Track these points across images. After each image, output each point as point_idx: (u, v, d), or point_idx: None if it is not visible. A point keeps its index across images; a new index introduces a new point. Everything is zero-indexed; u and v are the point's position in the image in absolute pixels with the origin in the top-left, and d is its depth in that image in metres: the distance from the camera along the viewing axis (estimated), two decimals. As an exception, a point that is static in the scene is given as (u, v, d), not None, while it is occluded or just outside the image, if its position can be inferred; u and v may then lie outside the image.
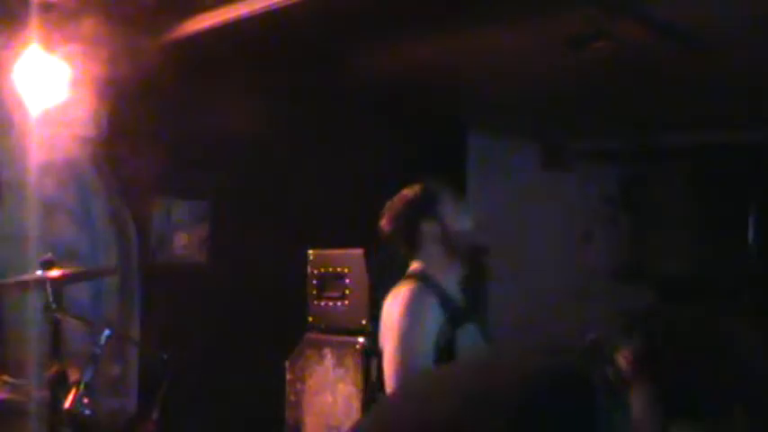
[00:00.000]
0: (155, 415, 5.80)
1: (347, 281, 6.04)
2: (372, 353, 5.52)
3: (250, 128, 6.87)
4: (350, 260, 6.06)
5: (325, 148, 7.53)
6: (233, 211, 7.16)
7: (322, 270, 6.18)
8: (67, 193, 6.90)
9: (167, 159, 6.72)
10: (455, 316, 4.05)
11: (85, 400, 5.05)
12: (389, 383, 3.96)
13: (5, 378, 5.33)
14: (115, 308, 6.81)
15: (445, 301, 4.06)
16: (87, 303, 6.67)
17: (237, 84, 6.88)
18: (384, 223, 4.35)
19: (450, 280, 4.19)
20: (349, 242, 6.07)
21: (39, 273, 5.42)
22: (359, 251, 6.01)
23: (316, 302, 6.19)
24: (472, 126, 9.36)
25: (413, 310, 4.02)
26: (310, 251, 6.26)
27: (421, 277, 4.15)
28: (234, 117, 6.86)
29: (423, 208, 4.25)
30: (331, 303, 6.11)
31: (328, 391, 5.99)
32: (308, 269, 6.23)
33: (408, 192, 4.33)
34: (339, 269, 6.09)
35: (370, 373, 5.68)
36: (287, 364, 6.21)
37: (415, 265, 4.27)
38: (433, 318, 4.01)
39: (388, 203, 4.37)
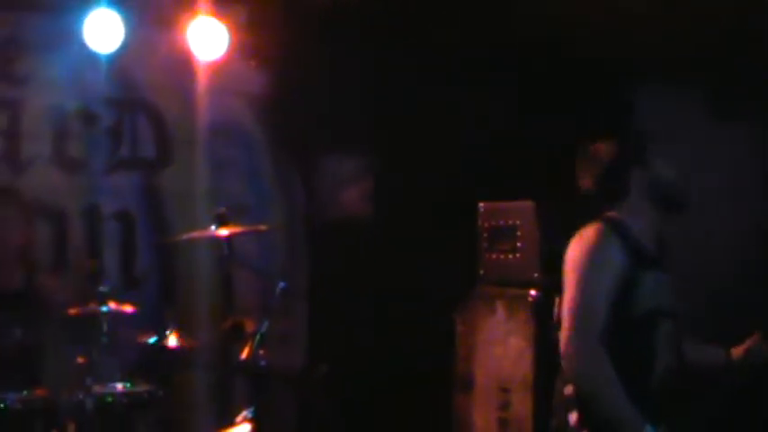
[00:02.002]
0: (324, 368, 5.85)
1: (518, 233, 5.96)
2: (543, 306, 5.45)
3: (412, 82, 6.82)
4: (521, 212, 5.98)
5: (492, 100, 7.42)
6: (399, 165, 7.11)
7: (493, 223, 6.11)
8: (235, 151, 6.98)
9: (332, 116, 6.73)
10: (641, 260, 3.94)
11: (261, 352, 5.09)
12: (566, 322, 3.88)
13: (181, 331, 5.40)
14: (284, 262, 6.87)
15: (632, 245, 3.95)
16: (257, 258, 6.74)
17: (398, 39, 6.83)
18: (584, 173, 4.21)
19: (645, 229, 4.07)
20: (519, 194, 5.99)
21: (212, 228, 5.49)
22: (529, 203, 5.93)
23: (487, 255, 6.12)
24: (638, 77, 9.11)
25: (596, 250, 3.92)
26: (481, 203, 6.19)
27: (610, 220, 4.04)
28: (396, 71, 6.82)
29: (632, 156, 4.11)
30: (502, 256, 6.04)
31: (499, 345, 5.93)
32: (479, 222, 6.17)
33: (610, 141, 4.16)
34: (510, 221, 6.01)
35: (542, 328, 5.61)
36: (457, 317, 6.16)
37: (609, 214, 4.15)
38: (617, 259, 3.91)
39: (586, 152, 4.22)
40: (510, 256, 5.99)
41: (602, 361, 3.76)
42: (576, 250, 3.97)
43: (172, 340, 5.32)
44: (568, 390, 3.88)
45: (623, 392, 3.72)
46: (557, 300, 4.00)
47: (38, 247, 6.13)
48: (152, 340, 5.34)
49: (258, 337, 5.11)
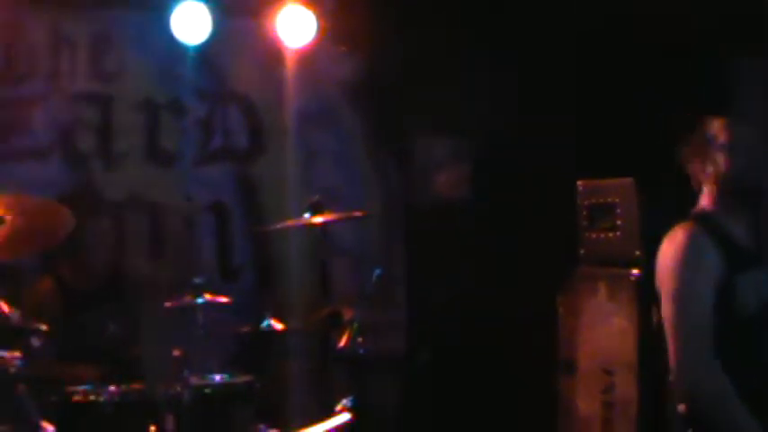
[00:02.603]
0: (425, 355, 5.78)
1: (618, 211, 5.82)
2: (645, 285, 5.31)
3: (507, 62, 6.72)
4: (620, 190, 5.84)
5: (591, 77, 7.28)
6: (495, 147, 7.02)
7: (592, 201, 5.98)
8: (329, 138, 6.94)
9: (426, 99, 6.67)
10: (737, 260, 3.79)
11: (359, 340, 5.05)
12: (672, 338, 3.76)
13: (277, 320, 5.36)
14: (380, 248, 6.82)
15: (726, 245, 3.80)
16: (353, 244, 6.71)
17: (490, 20, 6.75)
18: (689, 153, 4.08)
19: (737, 222, 3.92)
20: (618, 172, 5.86)
21: (307, 215, 5.46)
22: (629, 180, 5.78)
23: (587, 234, 5.99)
24: (736, 52, 8.89)
25: (689, 256, 3.78)
26: (579, 182, 6.06)
27: (701, 218, 3.90)
28: (489, 52, 6.73)
29: (706, 143, 3.97)
30: (602, 235, 5.91)
31: (601, 326, 5.80)
32: (578, 200, 6.04)
33: (723, 120, 4.02)
34: (609, 199, 5.88)
35: (645, 307, 5.47)
36: (558, 299, 6.05)
37: (699, 204, 4.02)
38: (711, 262, 3.77)
39: (694, 131, 4.08)
40: (610, 235, 5.86)
41: (717, 375, 3.63)
42: (668, 257, 3.84)
43: (269, 330, 5.29)
44: (681, 408, 3.76)
45: (741, 406, 3.59)
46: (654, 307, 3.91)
47: (133, 242, 6.13)
48: (249, 330, 5.31)
49: (356, 324, 5.07)
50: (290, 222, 5.71)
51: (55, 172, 6.47)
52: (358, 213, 6.11)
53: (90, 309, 5.55)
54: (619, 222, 5.82)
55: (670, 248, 3.86)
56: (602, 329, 5.79)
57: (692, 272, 3.76)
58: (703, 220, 3.91)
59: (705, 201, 3.99)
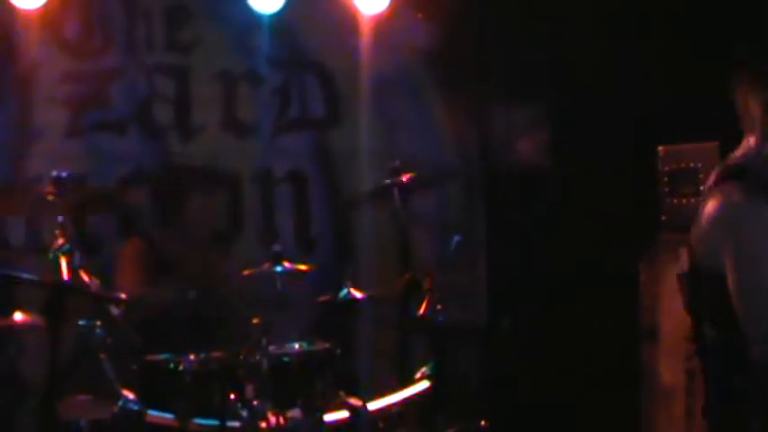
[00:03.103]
0: (506, 323, 5.74)
1: (701, 176, 5.71)
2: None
3: (587, 29, 6.63)
4: (703, 154, 5.73)
5: (670, 40, 7.17)
6: (573, 112, 6.93)
7: (673, 166, 5.87)
8: (406, 105, 6.90)
9: (504, 65, 6.61)
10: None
11: (439, 307, 5.02)
12: (746, 309, 3.61)
13: (357, 288, 5.34)
14: (460, 215, 6.78)
15: None
16: (433, 211, 6.67)
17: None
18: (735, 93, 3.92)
19: None
20: (700, 136, 5.75)
21: (386, 183, 5.44)
22: (713, 144, 5.67)
23: (668, 200, 5.90)
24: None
25: (745, 218, 3.62)
26: (660, 147, 5.96)
27: (744, 171, 3.71)
28: (569, 17, 6.64)
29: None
30: (684, 200, 5.81)
31: (685, 294, 5.71)
32: (659, 166, 5.94)
33: None
34: (692, 164, 5.77)
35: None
36: (641, 266, 5.96)
37: (741, 150, 3.82)
38: None
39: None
40: (693, 200, 5.75)
41: None
42: (720, 217, 3.66)
43: (348, 298, 5.26)
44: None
45: None
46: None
47: (212, 212, 6.13)
48: (328, 299, 5.29)
49: (436, 292, 5.04)
50: (369, 190, 5.70)
51: (133, 144, 6.51)
52: (437, 180, 6.10)
53: (171, 278, 5.58)
54: (702, 187, 5.71)
55: (721, 209, 3.68)
56: (686, 297, 5.70)
57: (754, 234, 3.61)
58: (748, 173, 3.73)
59: (749, 144, 3.78)
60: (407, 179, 5.43)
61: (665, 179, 5.91)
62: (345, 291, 5.29)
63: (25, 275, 4.27)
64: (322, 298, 5.36)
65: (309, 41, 6.72)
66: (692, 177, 5.77)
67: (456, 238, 5.14)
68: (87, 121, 6.48)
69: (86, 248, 5.23)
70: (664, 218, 5.90)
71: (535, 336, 6.46)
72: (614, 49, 6.80)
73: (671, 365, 5.75)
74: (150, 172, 6.44)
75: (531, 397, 6.38)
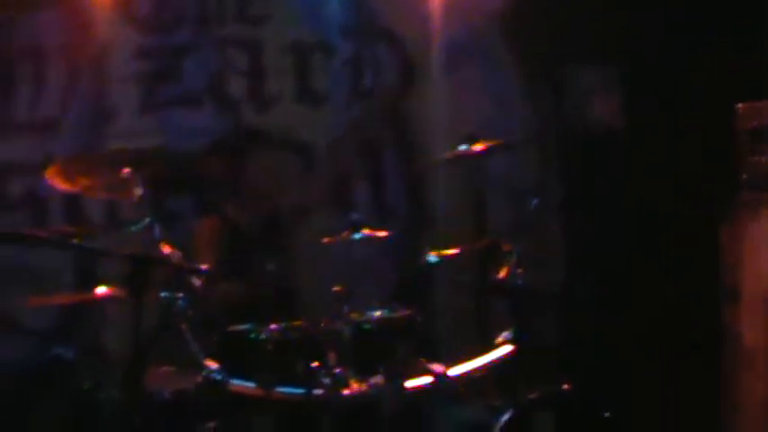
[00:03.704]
0: (581, 286, 5.71)
1: (782, 132, 5.64)
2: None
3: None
4: (785, 111, 5.66)
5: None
6: (647, 72, 6.86)
7: (753, 123, 5.79)
8: (480, 70, 6.87)
9: (579, 27, 6.56)
10: None
11: (519, 271, 4.99)
12: None
13: (435, 254, 5.33)
14: (536, 178, 6.75)
15: None
16: (509, 175, 6.64)
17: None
18: None
19: None
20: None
21: (461, 148, 5.42)
22: (793, 100, 5.59)
23: (748, 159, 5.81)
24: None
25: None
26: (739, 104, 5.88)
27: None
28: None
29: None
30: (764, 159, 5.73)
31: (766, 253, 5.64)
32: (738, 124, 5.86)
33: None
34: (772, 121, 5.70)
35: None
36: (721, 225, 5.89)
37: None
38: None
39: None
40: (774, 158, 5.68)
41: None
42: None
43: (427, 264, 5.26)
44: None
45: None
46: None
47: (288, 182, 6.14)
48: (407, 265, 5.30)
49: (515, 256, 5.02)
50: (445, 155, 5.69)
51: (207, 118, 6.56)
52: (512, 143, 6.08)
53: (251, 248, 5.61)
54: (783, 145, 5.65)
55: None
56: (767, 256, 5.63)
57: None
58: None
59: None
60: (482, 143, 5.41)
61: (745, 137, 5.84)
62: (423, 256, 5.28)
63: (107, 249, 4.31)
64: (401, 264, 5.36)
65: (380, 10, 6.72)
66: (772, 134, 5.70)
67: (534, 201, 5.11)
68: (161, 96, 6.54)
69: (165, 222, 5.26)
70: (744, 177, 5.83)
71: (614, 298, 6.43)
72: (686, 7, 6.74)
73: (753, 325, 5.69)
74: (225, 145, 6.50)
75: (611, 360, 6.35)
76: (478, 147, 5.37)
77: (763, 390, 5.54)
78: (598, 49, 6.81)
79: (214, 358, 4.72)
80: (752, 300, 5.69)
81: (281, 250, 5.68)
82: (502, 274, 4.98)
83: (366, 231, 5.15)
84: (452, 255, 5.26)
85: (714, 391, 5.72)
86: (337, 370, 4.75)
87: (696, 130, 6.57)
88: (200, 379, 4.66)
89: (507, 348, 5.11)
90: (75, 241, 4.98)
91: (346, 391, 4.71)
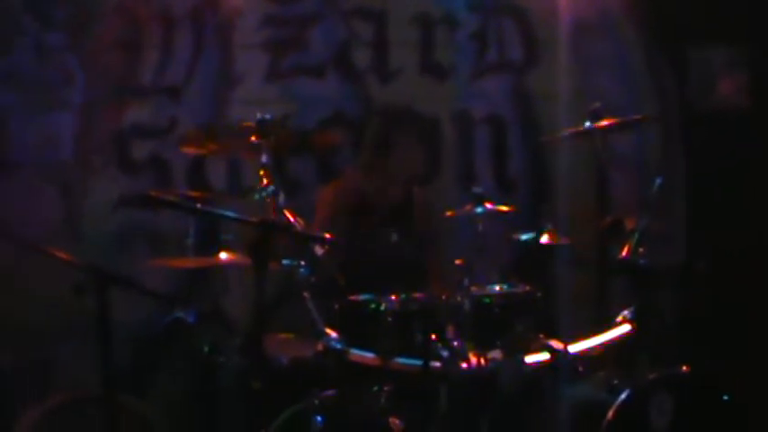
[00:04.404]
0: (702, 266, 5.62)
1: None
2: None
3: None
4: None
5: None
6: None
7: None
8: (605, 46, 6.80)
9: (706, 4, 6.45)
10: None
11: (641, 250, 4.94)
12: None
13: (558, 231, 5.29)
14: (660, 156, 6.68)
15: None
16: (632, 153, 6.60)
17: None
18: None
19: None
20: None
21: (586, 124, 5.39)
22: None
23: None
24: None
25: None
26: None
27: None
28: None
29: None
30: None
31: None
32: None
33: None
34: None
35: None
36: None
37: None
38: None
39: None
40: None
41: None
42: None
43: (549, 240, 5.22)
44: None
45: None
46: None
47: (412, 154, 6.14)
48: (529, 240, 5.26)
49: (637, 234, 4.97)
50: (569, 131, 5.65)
51: (331, 88, 6.59)
52: (638, 119, 6.01)
53: (372, 220, 5.63)
54: None
55: None
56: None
57: None
58: None
59: None
60: (607, 122, 5.37)
61: None
62: (545, 232, 5.25)
63: (232, 214, 4.37)
64: (522, 239, 5.33)
65: (506, -17, 6.69)
66: None
67: (658, 179, 5.04)
68: (286, 65, 6.59)
69: (289, 190, 5.30)
70: None
71: (735, 279, 6.34)
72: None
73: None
74: (349, 115, 6.53)
75: (732, 341, 6.27)
76: (602, 123, 5.34)
77: None
78: (725, 27, 6.70)
79: (334, 327, 4.75)
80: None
81: (406, 222, 5.68)
82: (624, 252, 4.94)
83: (489, 205, 5.14)
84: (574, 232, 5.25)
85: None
86: (456, 343, 4.76)
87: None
88: (319, 347, 4.70)
89: (627, 327, 5.07)
90: (199, 205, 5.07)
91: (464, 365, 4.71)
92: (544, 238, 5.24)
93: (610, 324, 5.11)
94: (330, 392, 4.70)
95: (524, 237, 5.30)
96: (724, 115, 6.73)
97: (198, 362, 5.24)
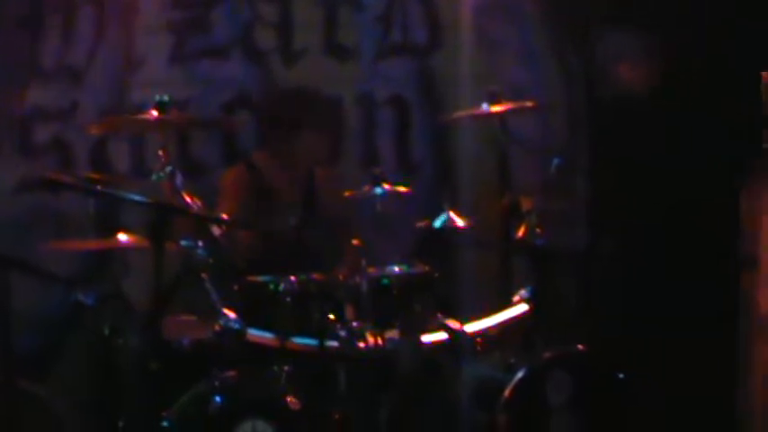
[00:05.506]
0: (606, 248, 5.70)
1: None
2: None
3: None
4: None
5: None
6: (677, 40, 6.81)
7: (776, 92, 5.75)
8: (508, 29, 6.84)
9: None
10: None
11: (538, 230, 5.01)
12: None
13: (457, 212, 5.34)
14: (562, 139, 6.74)
15: None
16: (533, 135, 6.63)
17: None
18: None
19: None
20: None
21: (484, 106, 5.43)
22: (820, 67, 5.55)
23: (771, 128, 5.78)
24: None
25: None
26: (764, 73, 5.84)
27: None
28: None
29: None
30: (786, 128, 5.70)
31: (786, 221, 5.61)
32: (762, 89, 5.82)
33: None
34: (797, 90, 5.65)
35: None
36: (740, 192, 5.86)
37: None
38: None
39: None
40: (796, 128, 5.64)
41: None
42: None
43: (448, 221, 5.26)
44: None
45: None
46: None
47: (314, 136, 6.13)
48: (428, 222, 5.30)
49: (534, 215, 5.03)
50: (468, 113, 5.69)
51: (235, 69, 6.57)
52: (535, 103, 6.06)
53: (273, 203, 5.63)
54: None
55: None
56: (787, 224, 5.61)
57: None
58: None
59: None
60: (506, 103, 5.42)
61: (768, 106, 5.80)
62: (445, 213, 5.29)
63: (130, 196, 4.35)
64: (421, 221, 5.37)
65: (411, -35, 6.70)
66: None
67: (556, 160, 5.11)
68: (190, 47, 6.55)
69: (190, 172, 5.30)
70: (765, 146, 5.81)
71: (633, 262, 6.43)
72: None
73: (769, 294, 5.68)
74: (253, 97, 6.51)
75: (627, 323, 6.36)
76: (500, 106, 5.38)
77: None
78: (632, 11, 6.76)
79: (233, 308, 4.76)
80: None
81: (308, 204, 5.69)
82: (521, 232, 5.00)
83: (387, 186, 5.17)
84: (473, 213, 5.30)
85: (729, 357, 5.73)
86: (354, 323, 4.80)
87: (720, 98, 6.54)
88: (218, 328, 4.70)
89: (524, 307, 5.13)
90: (98, 187, 5.04)
91: (362, 344, 4.75)
92: (444, 220, 5.28)
93: (508, 304, 5.17)
94: (229, 373, 4.71)
95: (425, 219, 5.34)
96: (629, 99, 6.81)
97: (98, 344, 5.20)
